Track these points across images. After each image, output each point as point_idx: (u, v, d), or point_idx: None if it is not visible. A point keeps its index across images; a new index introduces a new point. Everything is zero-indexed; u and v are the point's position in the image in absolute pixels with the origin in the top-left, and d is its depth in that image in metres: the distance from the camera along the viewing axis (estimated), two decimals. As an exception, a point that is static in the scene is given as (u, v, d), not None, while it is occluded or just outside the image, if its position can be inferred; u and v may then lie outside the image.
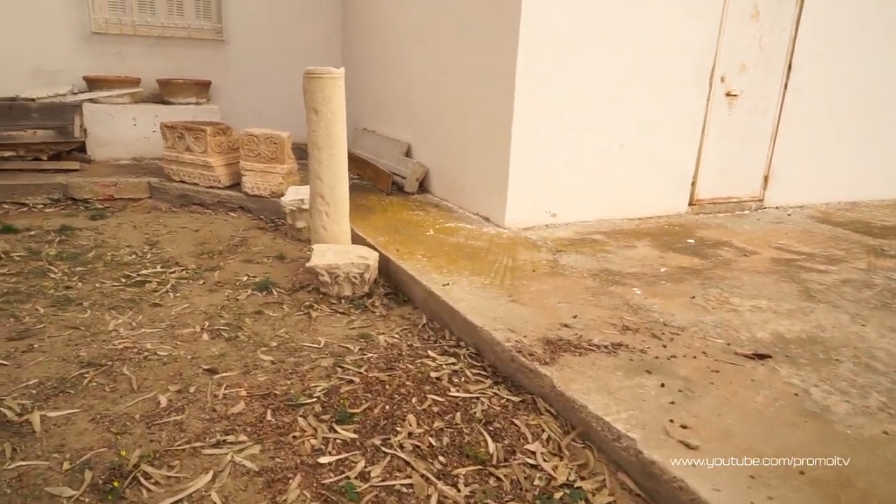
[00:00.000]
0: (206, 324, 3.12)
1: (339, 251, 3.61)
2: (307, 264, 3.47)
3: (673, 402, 2.21)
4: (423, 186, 5.52)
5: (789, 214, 5.57)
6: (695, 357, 2.61)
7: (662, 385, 2.34)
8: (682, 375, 2.43)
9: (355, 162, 6.31)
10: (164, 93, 6.38)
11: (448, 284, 3.26)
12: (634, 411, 2.14)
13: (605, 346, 2.65)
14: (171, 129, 5.34)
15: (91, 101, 5.87)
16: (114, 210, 5.14)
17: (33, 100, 5.31)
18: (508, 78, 4.19)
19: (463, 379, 2.65)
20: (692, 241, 4.45)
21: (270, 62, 7.07)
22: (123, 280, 3.66)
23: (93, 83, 6.05)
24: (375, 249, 3.79)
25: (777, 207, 5.71)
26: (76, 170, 5.53)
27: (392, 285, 3.67)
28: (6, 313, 3.11)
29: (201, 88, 6.47)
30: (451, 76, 4.97)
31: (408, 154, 5.77)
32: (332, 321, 3.25)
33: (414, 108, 5.62)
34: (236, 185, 5.40)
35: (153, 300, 3.38)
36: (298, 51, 7.16)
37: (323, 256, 3.52)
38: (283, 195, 5.02)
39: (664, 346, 2.70)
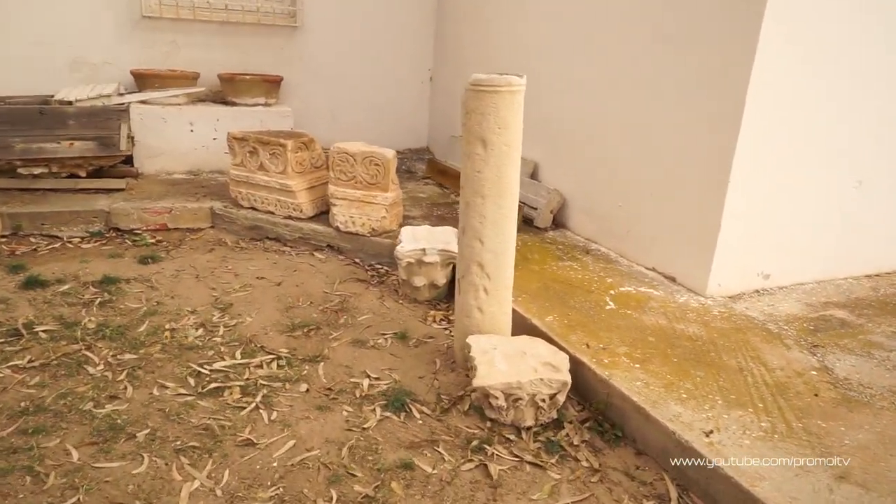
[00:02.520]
0: (333, 493, 1.93)
1: (509, 351, 2.40)
2: (475, 383, 2.26)
3: None
4: (556, 220, 4.27)
5: None
6: None
7: None
8: None
9: (454, 179, 5.08)
10: (227, 91, 5.23)
11: (711, 433, 2.02)
12: None
13: None
14: (240, 142, 4.18)
15: (141, 102, 4.73)
16: (168, 246, 4.01)
17: (70, 103, 4.19)
18: (732, 95, 2.91)
19: None
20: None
21: (350, 54, 5.86)
22: (191, 381, 2.52)
23: (142, 79, 4.92)
24: (555, 343, 2.57)
25: None
26: (122, 189, 4.42)
27: (585, 401, 2.44)
28: (20, 465, 1.98)
29: (271, 86, 5.29)
30: (617, 83, 3.70)
31: (534, 176, 4.51)
32: (522, 482, 2.04)
33: (546, 117, 4.36)
34: (322, 214, 4.22)
35: (239, 430, 2.22)
36: (382, 40, 5.94)
37: (491, 364, 2.31)
38: (386, 233, 3.83)
39: None
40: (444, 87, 6.04)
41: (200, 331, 2.95)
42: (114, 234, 4.10)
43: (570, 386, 2.28)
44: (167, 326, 2.96)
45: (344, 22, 5.75)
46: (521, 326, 2.78)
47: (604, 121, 3.82)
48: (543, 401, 2.26)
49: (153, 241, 4.06)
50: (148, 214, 4.17)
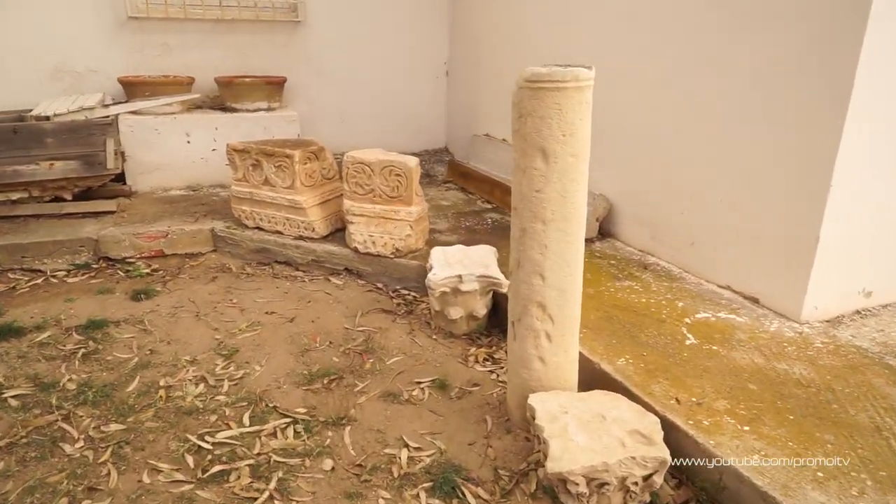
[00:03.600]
0: None
1: (584, 415, 1.90)
2: (549, 467, 1.76)
3: None
4: (602, 229, 3.75)
5: None
6: None
7: None
8: None
9: (479, 182, 4.59)
10: (226, 96, 4.74)
11: (876, 536, 1.50)
12: None
13: None
14: (241, 155, 3.69)
15: (131, 113, 4.25)
16: (165, 276, 3.53)
17: (48, 118, 3.71)
18: (835, 78, 2.38)
19: None
20: None
21: (358, 49, 5.35)
22: (190, 460, 2.04)
23: (131, 87, 4.44)
24: (636, 399, 2.06)
25: None
26: (112, 212, 3.94)
27: (682, 474, 1.93)
28: None
29: (274, 89, 4.79)
30: (676, 67, 3.17)
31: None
32: None
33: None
34: (338, 232, 3.73)
35: (252, 539, 1.73)
36: (392, 32, 5.42)
37: (565, 436, 1.81)
38: (411, 253, 3.33)
39: None
40: (461, 81, 5.52)
41: (201, 387, 2.47)
42: (104, 265, 3.62)
43: (668, 464, 1.77)
44: (162, 383, 2.49)
45: (350, 14, 5.24)
46: (588, 372, 2.28)
47: (659, 112, 3.30)
48: (636, 483, 1.76)
49: (148, 270, 3.59)
50: (141, 240, 3.69)
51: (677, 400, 2.06)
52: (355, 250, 3.45)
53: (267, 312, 3.11)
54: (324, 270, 3.57)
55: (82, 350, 2.71)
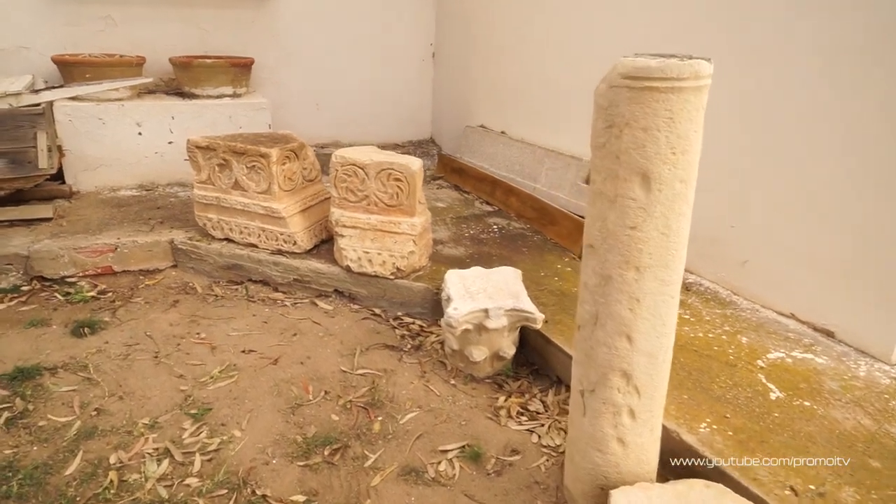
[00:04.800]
0: None
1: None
2: None
3: None
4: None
5: None
6: None
7: None
8: None
9: (477, 181, 4.08)
10: (183, 79, 4.07)
11: None
12: None
13: None
14: (205, 153, 3.08)
15: (70, 99, 3.57)
16: (114, 300, 2.92)
17: (-39, 107, 3.03)
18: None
19: None
20: None
21: (335, 27, 4.74)
22: (154, 592, 1.48)
23: (68, 68, 3.74)
24: (740, 489, 1.60)
25: None
26: (48, 219, 3.28)
27: None
28: None
29: (240, 71, 4.15)
30: (722, 52, 2.69)
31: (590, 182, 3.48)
32: None
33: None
34: (323, 244, 3.18)
35: None
36: (372, 8, 4.82)
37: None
38: (415, 272, 2.81)
39: None
40: (450, 65, 4.96)
41: (165, 464, 1.91)
42: (37, 286, 2.98)
43: None
44: (112, 460, 1.92)
45: (326, -13, 4.60)
46: (665, 443, 1.80)
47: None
48: None
49: (93, 293, 2.97)
50: (84, 255, 3.05)
51: (793, 490, 1.61)
52: (347, 269, 2.90)
53: (244, 351, 2.55)
54: (309, 292, 3.01)
55: (6, 413, 2.10)
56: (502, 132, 4.31)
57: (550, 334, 2.39)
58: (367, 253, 2.86)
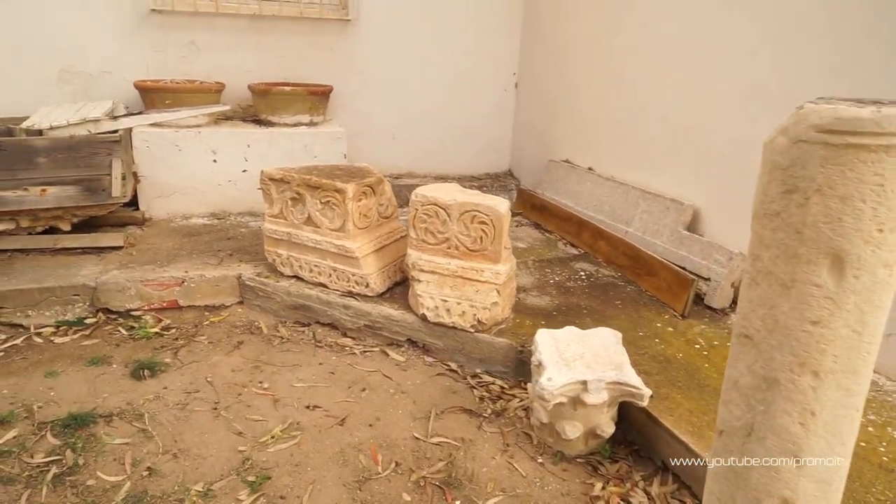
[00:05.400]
0: None
1: None
2: None
3: None
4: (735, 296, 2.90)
5: None
6: None
7: None
8: None
9: (560, 220, 3.77)
10: (261, 107, 3.98)
11: None
12: None
13: None
14: (279, 185, 2.92)
15: (152, 125, 3.51)
16: (178, 338, 2.77)
17: (40, 132, 2.98)
18: None
19: None
20: None
21: (415, 54, 4.58)
22: None
23: (148, 93, 3.70)
24: None
25: None
26: (119, 247, 3.19)
27: None
28: None
29: (318, 99, 4.03)
30: (847, 75, 2.33)
31: (692, 228, 3.14)
32: None
33: (710, 141, 3.00)
34: (396, 287, 2.94)
35: None
36: (454, 35, 4.63)
37: None
38: (497, 325, 2.52)
39: None
40: (534, 95, 4.71)
41: (217, 546, 1.67)
42: (102, 319, 2.87)
43: None
44: (160, 538, 1.70)
45: (407, 13, 4.46)
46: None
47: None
48: None
49: (157, 329, 2.83)
50: (151, 288, 2.93)
51: None
52: (423, 318, 2.65)
53: (308, 406, 2.32)
54: (380, 339, 2.77)
55: (53, 468, 1.93)
56: (589, 168, 4.00)
57: (657, 413, 2.05)
58: (446, 301, 2.60)
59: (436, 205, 2.61)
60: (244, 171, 3.81)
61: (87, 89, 3.92)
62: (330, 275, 2.90)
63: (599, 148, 3.94)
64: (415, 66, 4.59)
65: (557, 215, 3.94)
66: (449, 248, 2.63)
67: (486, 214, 2.54)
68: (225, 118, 4.06)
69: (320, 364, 2.62)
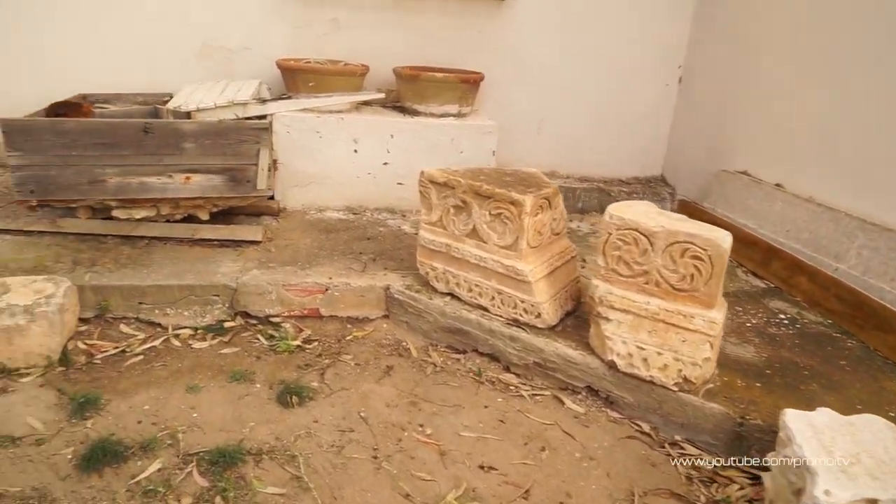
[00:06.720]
0: None
1: None
2: None
3: None
4: None
5: None
6: None
7: None
8: None
9: (741, 244, 3.22)
10: (406, 94, 3.63)
11: None
12: None
13: None
14: (441, 189, 2.54)
15: (301, 111, 3.23)
16: (321, 354, 2.48)
17: (188, 114, 2.73)
18: None
19: None
20: None
21: (569, 40, 4.10)
22: None
23: (291, 74, 3.42)
24: None
25: None
26: (258, 242, 2.94)
27: None
28: None
29: (468, 88, 3.63)
30: None
31: None
32: None
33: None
34: (568, 318, 2.52)
35: None
36: (614, 21, 4.11)
37: None
38: (705, 385, 2.05)
39: None
40: (701, 92, 4.13)
41: None
42: (240, 324, 2.62)
43: None
44: None
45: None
46: None
47: None
48: None
49: (298, 341, 2.54)
50: (293, 294, 2.65)
51: None
52: (611, 365, 2.22)
53: (482, 467, 1.95)
54: (551, 381, 2.37)
55: (199, 519, 1.65)
56: (777, 185, 3.41)
57: (962, 545, 1.52)
58: (643, 349, 2.16)
59: (636, 230, 2.16)
60: (385, 163, 3.48)
61: (225, 66, 3.70)
62: (493, 298, 2.51)
63: (794, 161, 3.34)
64: (568, 54, 4.11)
65: (735, 237, 3.37)
66: (647, 283, 2.18)
67: (702, 248, 2.07)
68: (363, 103, 3.74)
69: (485, 407, 2.25)
